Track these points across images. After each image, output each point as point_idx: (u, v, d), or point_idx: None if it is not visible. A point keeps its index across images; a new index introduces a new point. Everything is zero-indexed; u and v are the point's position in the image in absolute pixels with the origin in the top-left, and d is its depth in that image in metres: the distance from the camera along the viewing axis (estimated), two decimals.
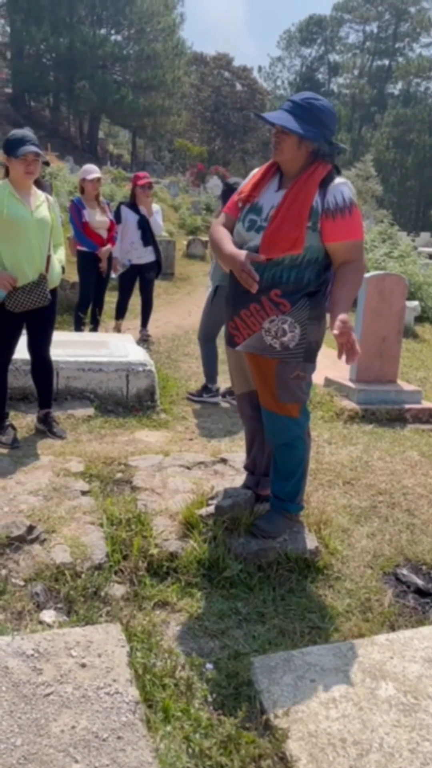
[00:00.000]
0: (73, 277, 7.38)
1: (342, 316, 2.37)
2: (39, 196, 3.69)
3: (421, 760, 1.76)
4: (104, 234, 6.33)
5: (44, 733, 1.73)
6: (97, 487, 3.20)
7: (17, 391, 4.38)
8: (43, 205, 3.67)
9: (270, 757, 1.79)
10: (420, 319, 10.13)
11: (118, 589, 2.50)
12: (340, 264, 2.56)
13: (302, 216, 2.49)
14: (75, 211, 6.25)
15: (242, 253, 2.50)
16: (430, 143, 50.46)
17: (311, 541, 2.83)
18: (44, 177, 13.74)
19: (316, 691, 1.97)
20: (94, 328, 6.58)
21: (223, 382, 5.50)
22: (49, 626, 2.25)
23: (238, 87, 50.91)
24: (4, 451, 3.61)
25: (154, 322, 7.71)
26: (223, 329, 5.24)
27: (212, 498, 2.97)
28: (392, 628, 2.46)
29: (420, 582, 2.77)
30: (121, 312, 7.10)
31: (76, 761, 1.66)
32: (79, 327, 6.42)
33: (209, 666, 2.13)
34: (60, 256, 3.90)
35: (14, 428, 3.85)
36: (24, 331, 3.83)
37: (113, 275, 6.77)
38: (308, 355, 2.63)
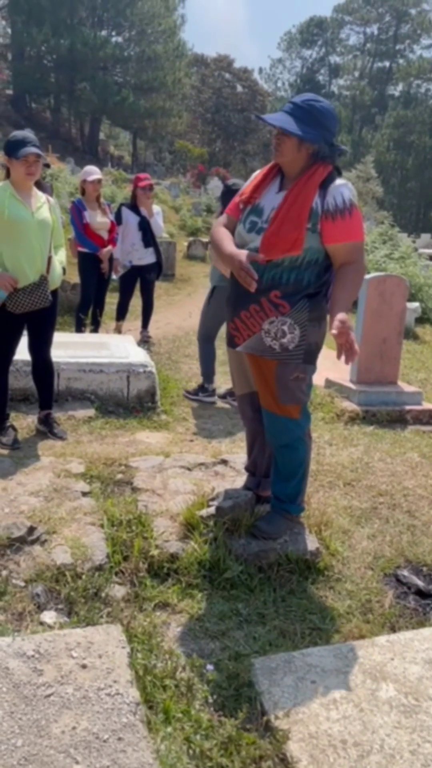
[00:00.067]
0: (74, 278, 7.39)
1: (341, 316, 2.37)
2: (40, 197, 3.69)
3: (422, 762, 1.76)
4: (105, 235, 6.34)
5: (45, 734, 1.73)
6: (98, 488, 3.20)
7: (18, 392, 4.38)
8: (44, 207, 3.68)
9: (270, 759, 1.79)
10: (420, 320, 10.14)
11: (118, 590, 2.50)
12: (340, 265, 2.56)
13: (302, 217, 2.49)
14: (76, 213, 6.26)
15: (242, 253, 2.51)
16: (430, 145, 50.48)
17: (312, 543, 2.83)
18: (45, 178, 13.75)
19: (317, 693, 1.97)
20: (95, 329, 6.59)
21: (224, 383, 5.51)
22: (50, 627, 2.25)
23: (239, 88, 50.93)
24: (5, 452, 3.61)
25: (155, 323, 7.71)
26: (223, 330, 5.31)
27: (213, 499, 2.97)
28: (393, 630, 2.46)
29: (420, 583, 2.77)
30: (121, 313, 7.10)
31: (77, 762, 1.66)
32: (80, 328, 6.43)
33: (210, 667, 2.13)
34: (61, 258, 3.90)
35: (15, 429, 3.85)
36: (25, 332, 3.83)
37: (114, 276, 6.78)
38: (308, 356, 2.63)
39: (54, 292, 3.77)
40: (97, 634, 2.11)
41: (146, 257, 6.82)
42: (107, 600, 2.43)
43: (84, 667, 1.96)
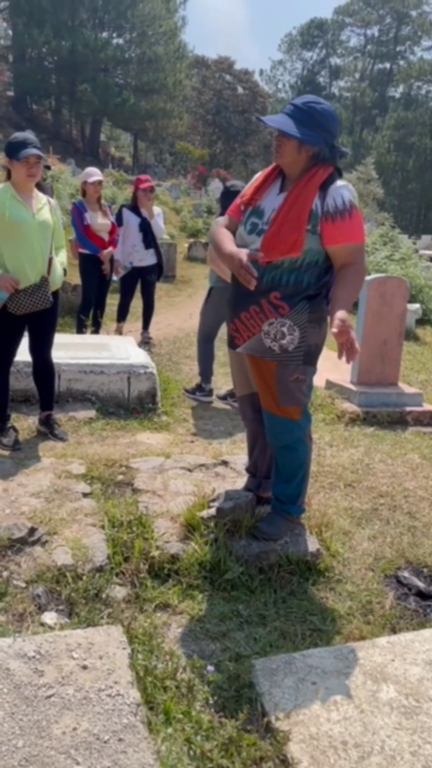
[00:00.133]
0: (75, 279, 7.40)
1: (341, 314, 2.35)
2: (41, 198, 3.70)
3: (423, 763, 1.76)
4: (106, 237, 6.35)
5: (45, 735, 1.73)
6: (99, 489, 3.20)
7: (19, 393, 4.38)
8: (44, 208, 3.68)
9: (271, 760, 1.79)
10: (421, 321, 10.14)
11: (119, 591, 2.50)
12: (340, 266, 2.56)
13: (301, 219, 2.49)
14: (77, 214, 6.27)
15: (241, 251, 2.50)
16: (431, 146, 50.50)
17: (312, 544, 2.83)
18: (45, 180, 13.77)
19: (318, 694, 1.97)
20: (96, 330, 6.59)
21: (225, 384, 5.52)
22: (51, 628, 2.25)
23: (240, 90, 50.99)
24: (6, 453, 3.62)
25: (156, 324, 7.72)
26: (224, 330, 5.34)
27: (213, 500, 2.97)
28: (393, 631, 2.46)
29: (421, 584, 2.77)
30: (122, 314, 7.11)
31: (78, 763, 1.66)
32: (81, 329, 6.43)
33: (210, 668, 2.13)
34: (62, 259, 3.91)
35: (16, 430, 3.86)
36: (26, 334, 3.84)
37: (114, 278, 6.79)
38: (308, 358, 2.63)
39: (55, 294, 3.78)
40: (98, 635, 2.11)
41: (147, 258, 6.82)
42: (108, 601, 2.43)
43: (85, 668, 1.96)
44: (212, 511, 2.86)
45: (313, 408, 4.91)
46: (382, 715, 1.91)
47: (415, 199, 52.81)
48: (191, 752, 1.81)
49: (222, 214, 5.14)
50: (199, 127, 50.43)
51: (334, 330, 2.32)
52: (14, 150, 3.49)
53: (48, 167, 3.75)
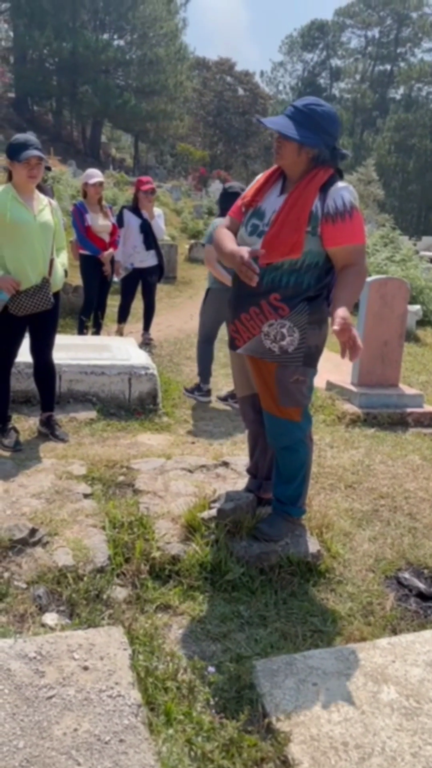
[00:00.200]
0: (76, 280, 7.41)
1: (341, 312, 2.33)
2: (42, 200, 3.71)
3: (423, 764, 1.76)
4: (106, 238, 6.36)
5: (46, 736, 1.73)
6: (100, 490, 3.21)
7: (20, 394, 4.39)
8: (46, 209, 3.69)
9: (272, 761, 1.79)
10: (422, 323, 10.14)
11: (120, 592, 2.50)
12: (341, 268, 2.56)
13: (301, 220, 2.49)
14: (77, 215, 6.28)
15: (242, 249, 2.50)
16: (431, 148, 50.51)
17: (313, 545, 2.83)
18: (46, 181, 13.77)
19: (318, 695, 1.97)
20: (97, 331, 6.60)
21: (226, 385, 5.53)
22: (52, 629, 2.25)
23: (240, 92, 51.01)
24: (7, 454, 3.62)
25: (157, 325, 7.72)
26: (222, 331, 5.37)
27: (214, 501, 2.97)
28: (394, 632, 2.46)
29: (422, 586, 2.77)
30: (123, 315, 7.12)
31: (79, 764, 1.66)
32: (82, 331, 6.44)
33: (211, 669, 2.13)
34: (63, 260, 3.91)
35: (17, 431, 3.86)
36: (27, 335, 3.84)
37: (115, 279, 6.79)
38: (308, 359, 2.63)
39: (56, 295, 3.78)
40: (99, 636, 2.11)
41: (148, 260, 6.83)
42: (109, 602, 2.43)
43: (85, 668, 1.96)
44: (213, 512, 2.87)
45: (314, 409, 4.92)
46: (383, 717, 1.91)
47: (416, 201, 52.80)
48: (192, 753, 1.81)
49: (221, 215, 5.17)
50: (200, 128, 50.46)
51: (336, 327, 2.30)
52: (15, 151, 3.49)
53: (48, 168, 3.75)
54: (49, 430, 3.97)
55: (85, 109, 39.17)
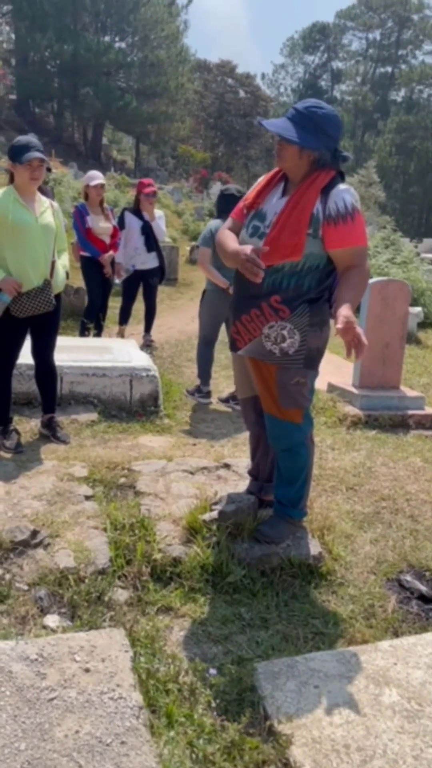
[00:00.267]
0: (77, 282, 7.41)
1: (344, 311, 2.31)
2: (43, 202, 3.71)
3: (425, 767, 1.76)
4: (107, 240, 6.37)
5: (48, 738, 1.73)
6: (101, 491, 3.21)
7: (21, 395, 4.39)
8: (47, 211, 3.69)
9: (274, 763, 1.78)
10: (423, 325, 10.14)
11: (121, 594, 2.50)
12: (343, 270, 2.56)
13: (302, 223, 2.49)
14: (78, 217, 6.28)
15: (246, 247, 2.50)
16: None
17: (314, 547, 2.83)
18: (47, 183, 13.78)
19: (320, 697, 1.97)
20: (98, 333, 6.60)
21: (227, 387, 5.53)
22: (53, 631, 2.25)
23: (242, 94, 51.06)
24: (8, 455, 3.62)
25: (158, 327, 7.73)
26: (223, 333, 5.39)
27: (216, 503, 2.97)
28: (396, 635, 2.46)
29: (423, 588, 2.77)
30: (124, 317, 7.12)
31: (80, 766, 1.66)
32: (83, 332, 6.45)
33: (213, 671, 2.13)
34: (64, 262, 3.92)
35: (18, 433, 3.86)
36: (28, 336, 3.84)
37: (117, 281, 6.80)
38: (309, 361, 2.63)
39: (57, 297, 3.78)
40: (100, 638, 2.11)
41: (149, 262, 6.84)
42: (110, 604, 2.43)
43: (87, 670, 1.96)
44: (214, 514, 2.86)
45: (315, 411, 4.91)
46: (385, 719, 1.91)
47: (417, 203, 52.84)
48: (193, 755, 1.81)
49: (218, 217, 5.17)
50: (201, 130, 50.51)
51: (339, 326, 2.28)
52: (17, 153, 3.50)
53: (49, 170, 3.76)
54: (50, 432, 3.97)
55: (87, 111, 39.24)
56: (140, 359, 5.00)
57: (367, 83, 59.92)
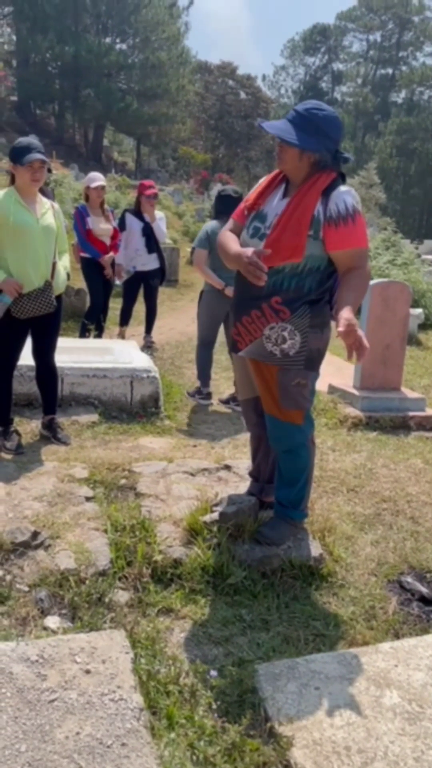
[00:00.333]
0: (78, 283, 7.41)
1: (346, 314, 2.31)
2: (44, 203, 3.71)
3: None
4: (107, 241, 6.38)
5: (49, 740, 1.73)
6: (102, 493, 3.21)
7: (22, 397, 4.39)
8: (48, 213, 3.69)
9: (274, 765, 1.78)
10: (424, 326, 10.14)
11: (122, 596, 2.50)
12: (344, 272, 2.56)
13: (303, 225, 2.49)
14: (79, 218, 6.29)
15: (247, 249, 2.50)
16: None
17: (315, 549, 2.83)
18: (48, 184, 13.79)
19: (321, 699, 1.97)
20: (99, 334, 6.60)
21: (228, 388, 5.53)
22: (54, 632, 2.25)
23: (243, 95, 51.10)
24: (9, 456, 3.62)
25: (158, 328, 7.73)
26: (221, 334, 5.40)
27: (216, 505, 2.97)
28: (397, 636, 2.46)
29: (424, 590, 2.76)
30: (125, 318, 7.13)
31: None
32: (84, 334, 6.45)
33: (213, 673, 2.13)
34: (65, 263, 3.92)
35: (19, 434, 3.86)
36: (29, 338, 3.84)
37: (117, 282, 6.81)
38: (309, 363, 2.63)
39: (58, 298, 3.79)
40: (101, 640, 2.11)
41: (150, 263, 6.85)
42: (111, 605, 2.43)
43: (88, 672, 1.96)
44: (215, 515, 2.86)
45: (316, 412, 4.91)
46: (386, 721, 1.91)
47: (418, 204, 52.86)
48: (194, 757, 1.81)
49: (215, 218, 5.18)
50: (202, 132, 50.55)
51: (341, 329, 2.28)
52: (18, 155, 3.50)
53: (49, 170, 3.76)
54: (51, 433, 3.97)
55: (88, 113, 39.28)
56: (141, 360, 5.00)
57: (368, 85, 59.97)
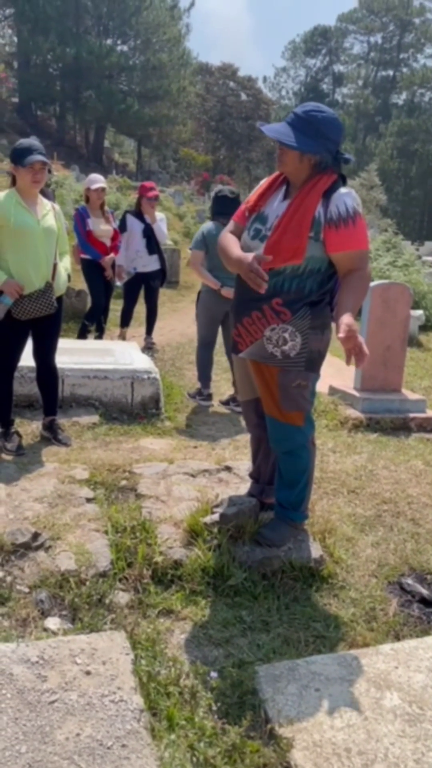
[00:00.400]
0: (79, 285, 7.42)
1: (346, 320, 2.33)
2: (45, 204, 3.72)
3: None
4: (108, 242, 6.38)
5: (49, 741, 1.73)
6: (102, 494, 3.21)
7: (23, 398, 4.39)
8: (49, 214, 3.70)
9: (275, 767, 1.78)
10: (424, 328, 10.14)
11: (122, 597, 2.50)
12: (345, 273, 2.56)
13: (303, 226, 2.49)
14: (79, 220, 6.30)
15: (249, 255, 2.51)
16: None
17: (316, 550, 2.83)
18: (49, 186, 13.81)
19: (321, 701, 1.97)
20: (100, 335, 6.61)
21: (228, 389, 5.53)
22: (54, 633, 2.25)
23: (243, 97, 51.13)
24: (10, 458, 3.62)
25: (159, 330, 7.73)
26: (221, 336, 5.40)
27: (217, 506, 2.97)
28: (397, 638, 2.46)
29: (425, 591, 2.76)
30: (126, 320, 7.13)
31: None
32: (84, 335, 6.45)
33: (214, 674, 2.13)
34: (66, 264, 3.92)
35: (19, 435, 3.86)
36: (30, 339, 3.85)
37: (118, 283, 6.81)
38: (310, 364, 2.64)
39: (59, 299, 3.79)
40: (101, 641, 2.11)
41: (150, 264, 6.85)
42: (111, 606, 2.43)
43: (88, 673, 1.96)
44: (215, 516, 2.87)
45: (316, 414, 4.91)
46: (386, 723, 1.90)
47: (418, 206, 52.86)
48: (194, 759, 1.81)
49: (213, 219, 5.18)
50: (203, 133, 50.57)
51: (341, 335, 2.30)
52: (19, 156, 3.51)
53: (50, 171, 3.76)
54: (51, 435, 3.98)
55: (89, 114, 39.28)
56: (141, 362, 5.01)
57: (369, 86, 60.00)
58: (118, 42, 41.36)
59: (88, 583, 2.49)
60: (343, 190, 2.54)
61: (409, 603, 2.70)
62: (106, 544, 2.73)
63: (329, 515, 3.17)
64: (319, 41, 60.85)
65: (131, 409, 4.68)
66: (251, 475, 3.13)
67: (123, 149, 51.07)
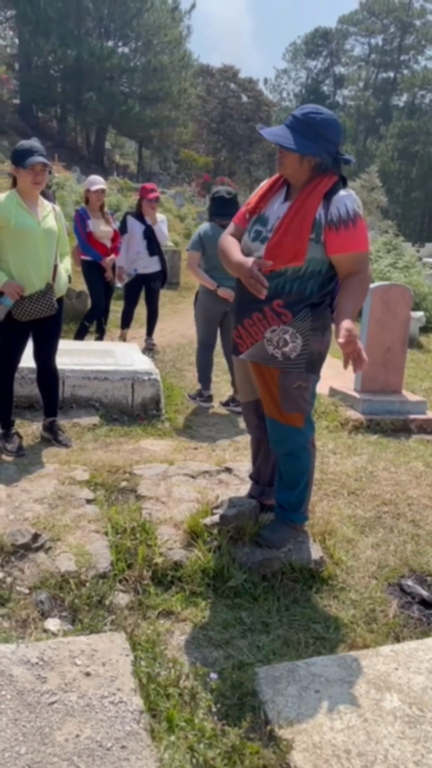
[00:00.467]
0: (79, 286, 7.42)
1: (347, 324, 2.34)
2: (46, 206, 3.72)
3: None
4: (108, 244, 6.39)
5: (48, 742, 1.73)
6: (102, 495, 3.21)
7: (23, 399, 4.39)
8: (50, 215, 3.70)
9: None
10: (425, 329, 10.13)
11: (122, 598, 2.50)
12: (345, 275, 2.57)
13: (304, 228, 2.50)
14: (79, 221, 6.31)
15: (249, 260, 2.52)
16: None
17: (316, 552, 2.82)
18: (50, 187, 13.83)
19: (321, 702, 1.97)
20: (100, 336, 6.61)
21: (228, 390, 5.53)
22: (54, 634, 2.25)
23: (244, 98, 51.22)
24: (10, 459, 3.62)
25: (160, 331, 7.73)
26: (216, 337, 5.41)
27: (217, 507, 2.97)
28: (397, 640, 2.45)
29: (425, 593, 2.76)
30: (126, 321, 7.13)
31: None
32: (83, 335, 6.45)
33: (213, 676, 2.13)
34: (66, 266, 3.93)
35: (20, 436, 3.86)
36: (30, 340, 3.85)
37: (119, 284, 6.81)
38: (310, 366, 2.64)
39: (59, 300, 3.79)
40: (101, 642, 2.11)
41: (151, 266, 6.85)
42: (111, 608, 2.43)
43: (88, 674, 1.96)
44: (215, 518, 2.86)
45: (317, 415, 4.91)
46: (386, 724, 1.90)
47: (419, 207, 52.90)
48: (194, 760, 1.81)
49: (210, 220, 5.19)
50: (204, 135, 50.64)
51: (341, 340, 2.31)
52: (20, 158, 3.51)
53: (50, 172, 3.77)
54: (52, 436, 3.98)
55: (90, 116, 39.34)
56: (142, 363, 5.01)
57: (370, 88, 60.06)
58: (119, 44, 41.43)
59: (88, 584, 2.49)
60: (343, 192, 2.54)
61: (409, 604, 2.70)
62: (106, 546, 2.73)
63: (329, 517, 3.17)
64: (319, 43, 60.92)
65: (132, 411, 4.69)
66: (251, 477, 3.13)
67: (124, 151, 51.14)
